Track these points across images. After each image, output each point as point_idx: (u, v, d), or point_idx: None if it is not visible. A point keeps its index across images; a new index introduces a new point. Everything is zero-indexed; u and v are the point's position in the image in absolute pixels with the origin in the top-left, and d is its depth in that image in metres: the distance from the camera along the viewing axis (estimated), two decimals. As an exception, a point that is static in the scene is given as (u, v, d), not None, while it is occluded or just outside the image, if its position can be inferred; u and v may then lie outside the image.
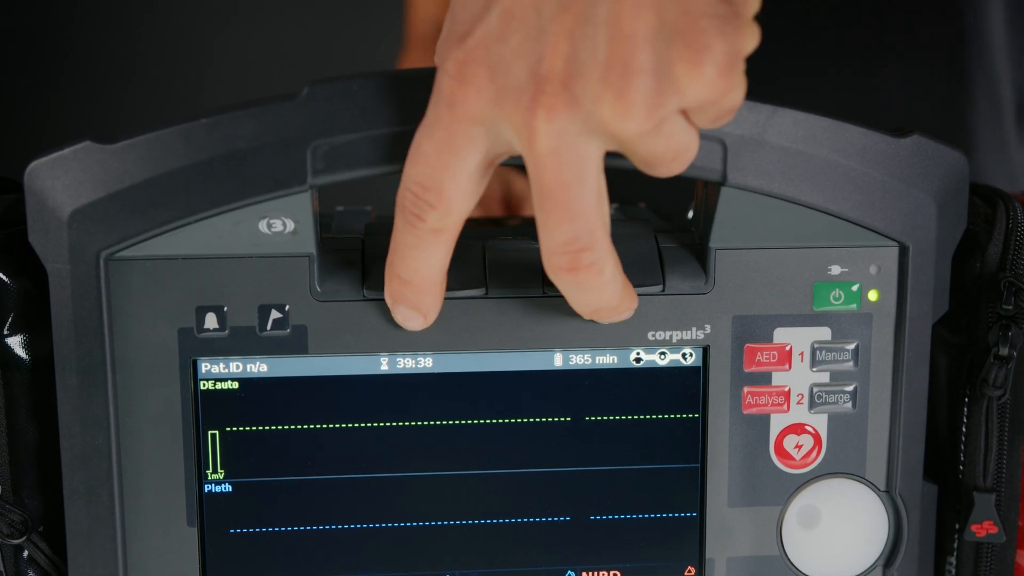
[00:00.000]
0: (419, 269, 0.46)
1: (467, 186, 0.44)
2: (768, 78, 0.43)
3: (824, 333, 0.51)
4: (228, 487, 0.50)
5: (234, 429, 0.50)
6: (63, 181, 0.47)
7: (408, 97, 0.46)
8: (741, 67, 0.41)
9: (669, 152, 0.42)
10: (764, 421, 0.51)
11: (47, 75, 1.71)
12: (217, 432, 0.50)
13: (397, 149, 0.46)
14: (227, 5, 1.71)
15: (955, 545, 0.54)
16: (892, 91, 0.81)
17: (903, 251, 0.50)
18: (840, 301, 0.51)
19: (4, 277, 0.49)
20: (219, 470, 0.50)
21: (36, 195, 0.47)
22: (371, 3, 1.67)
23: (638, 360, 0.51)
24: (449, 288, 0.49)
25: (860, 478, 0.52)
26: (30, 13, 1.70)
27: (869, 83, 0.81)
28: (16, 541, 0.50)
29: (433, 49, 0.95)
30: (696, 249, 0.51)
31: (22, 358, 0.50)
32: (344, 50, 1.70)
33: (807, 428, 0.52)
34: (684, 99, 0.41)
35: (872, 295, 0.51)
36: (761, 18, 0.43)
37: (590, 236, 0.43)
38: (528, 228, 0.55)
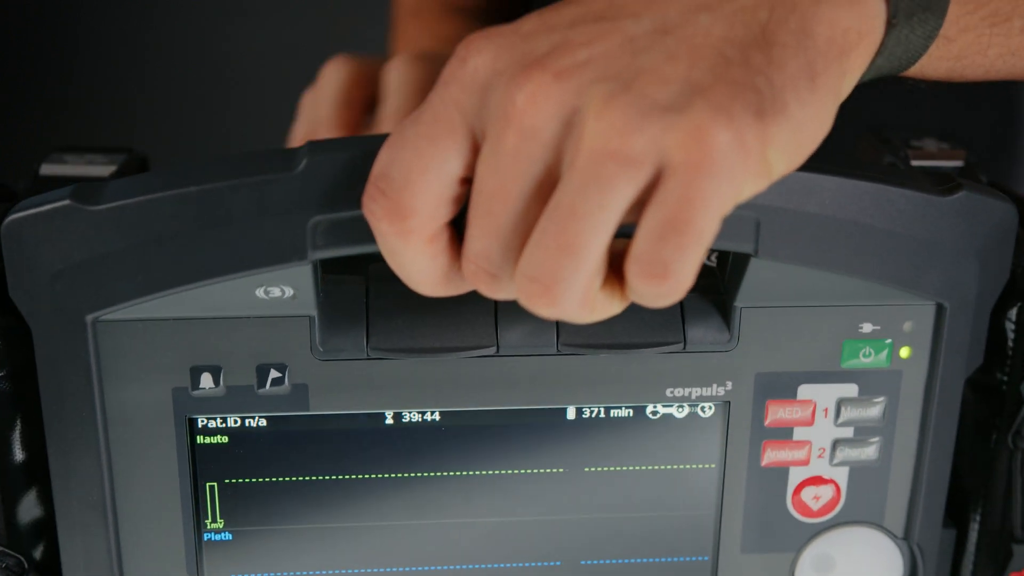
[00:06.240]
0: (414, 276, 0.41)
1: (437, 187, 0.39)
2: None
3: (851, 390, 0.49)
4: (228, 535, 0.49)
5: (233, 481, 0.48)
6: (43, 239, 0.44)
7: None
8: (738, 160, 0.36)
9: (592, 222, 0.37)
10: (783, 473, 0.50)
11: (55, 75, 1.68)
12: (215, 484, 0.48)
13: None
14: (236, 4, 1.65)
15: None
16: (935, 101, 0.75)
17: (940, 310, 0.48)
18: (870, 359, 0.48)
19: None
20: (218, 519, 0.49)
21: (15, 250, 0.44)
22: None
23: (655, 413, 0.49)
24: (458, 345, 0.46)
25: (878, 526, 0.51)
26: (40, 14, 1.65)
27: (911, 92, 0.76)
28: None
29: (425, 20, 0.88)
30: (719, 302, 0.48)
31: (7, 391, 0.47)
32: (351, 48, 1.64)
33: (827, 480, 0.50)
34: (664, 144, 0.36)
35: (904, 352, 0.48)
36: None
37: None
38: None
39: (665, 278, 0.37)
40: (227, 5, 1.67)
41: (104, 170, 0.52)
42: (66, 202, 0.43)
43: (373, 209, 0.39)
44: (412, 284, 0.41)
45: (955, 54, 0.43)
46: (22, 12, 1.66)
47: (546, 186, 0.38)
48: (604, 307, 0.40)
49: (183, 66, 1.68)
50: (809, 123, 0.38)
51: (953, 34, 0.42)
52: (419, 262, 0.40)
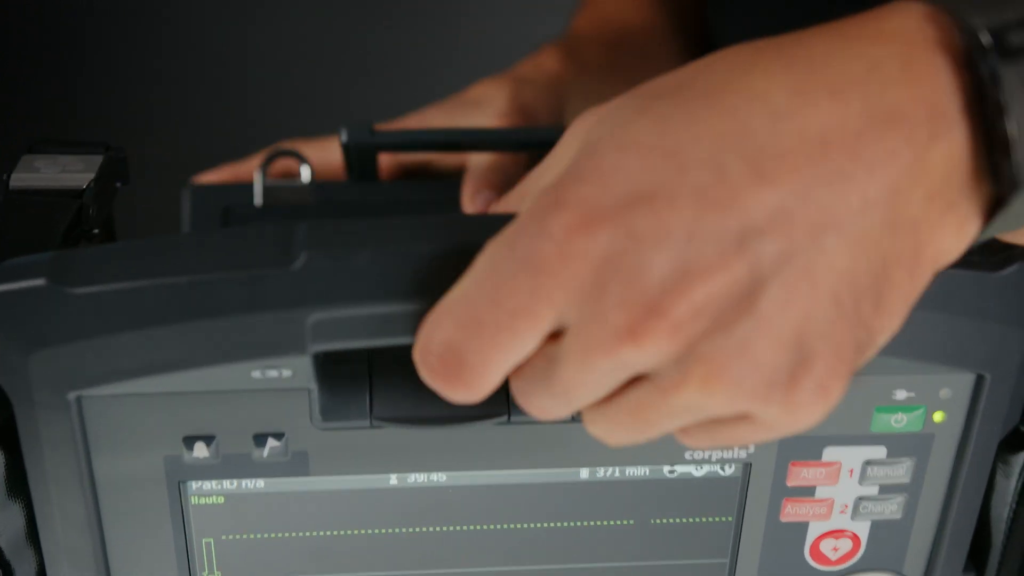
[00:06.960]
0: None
1: (512, 366, 0.36)
2: None
3: (879, 452, 0.46)
4: (226, 586, 0.47)
5: (230, 537, 0.46)
6: (19, 318, 0.40)
7: (423, 272, 0.38)
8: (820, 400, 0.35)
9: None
10: (802, 526, 0.48)
11: (53, 74, 1.64)
12: (212, 540, 0.46)
13: (410, 323, 0.39)
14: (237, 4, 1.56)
15: None
16: None
17: (979, 380, 0.45)
18: (902, 424, 0.45)
19: None
20: (215, 572, 0.47)
21: None
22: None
23: (672, 472, 0.46)
24: (469, 414, 0.44)
25: (897, 573, 0.49)
26: (38, 14, 1.56)
27: None
28: None
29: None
30: None
31: None
32: (350, 47, 1.54)
33: (847, 533, 0.48)
34: (757, 410, 0.35)
35: (937, 416, 0.46)
36: None
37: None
38: None
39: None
40: (226, 4, 1.59)
41: (81, 178, 0.48)
42: (42, 282, 0.40)
43: (440, 384, 0.37)
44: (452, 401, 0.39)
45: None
46: (20, 11, 1.58)
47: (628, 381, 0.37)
48: None
49: (180, 65, 1.63)
50: (884, 342, 0.37)
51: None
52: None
